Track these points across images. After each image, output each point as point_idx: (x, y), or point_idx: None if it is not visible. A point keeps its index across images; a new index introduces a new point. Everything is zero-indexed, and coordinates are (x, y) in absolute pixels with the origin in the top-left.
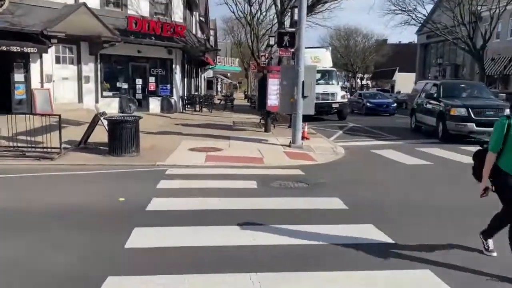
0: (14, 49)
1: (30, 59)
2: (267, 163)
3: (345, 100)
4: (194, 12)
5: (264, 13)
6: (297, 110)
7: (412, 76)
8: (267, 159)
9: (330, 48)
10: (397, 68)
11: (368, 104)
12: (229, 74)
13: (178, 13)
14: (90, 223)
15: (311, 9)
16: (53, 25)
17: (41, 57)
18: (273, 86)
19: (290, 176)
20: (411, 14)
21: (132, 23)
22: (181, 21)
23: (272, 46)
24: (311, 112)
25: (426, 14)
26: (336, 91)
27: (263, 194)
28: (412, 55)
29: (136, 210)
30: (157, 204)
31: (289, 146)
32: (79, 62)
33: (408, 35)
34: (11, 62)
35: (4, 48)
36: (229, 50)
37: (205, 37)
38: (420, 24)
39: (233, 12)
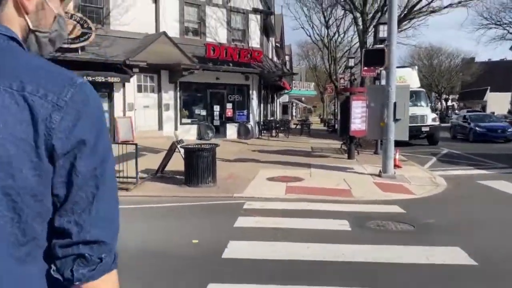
0: (99, 79)
1: (114, 89)
2: (357, 197)
3: (436, 123)
4: (270, 38)
5: (342, 35)
6: (388, 136)
7: (506, 96)
8: (356, 192)
9: (416, 67)
10: (488, 87)
11: (477, 128)
12: (303, 99)
13: (255, 39)
14: (159, 274)
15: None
16: (135, 54)
17: (123, 86)
18: (357, 109)
19: (388, 214)
20: (506, 28)
21: (210, 50)
22: (258, 46)
23: (351, 67)
24: (405, 137)
25: None
26: (426, 113)
27: (360, 239)
28: (505, 73)
29: (211, 257)
30: (234, 249)
31: (379, 176)
32: (159, 90)
33: (499, 53)
34: (97, 91)
35: (90, 79)
36: (303, 74)
37: (281, 62)
38: None
39: (310, 36)
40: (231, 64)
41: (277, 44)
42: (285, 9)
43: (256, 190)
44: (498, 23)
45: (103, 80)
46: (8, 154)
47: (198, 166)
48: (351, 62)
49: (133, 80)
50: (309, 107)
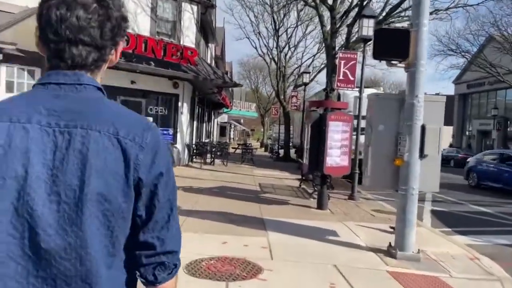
0: None
1: None
2: None
3: None
4: (209, 44)
5: (292, 49)
6: (409, 184)
7: (448, 129)
8: None
9: (381, 88)
10: None
11: None
12: (242, 120)
13: (189, 36)
14: None
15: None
16: None
17: None
18: (336, 134)
19: None
20: (466, 56)
21: None
22: (193, 46)
23: (306, 84)
24: (435, 188)
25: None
26: None
27: None
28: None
29: None
30: None
31: (389, 254)
32: None
33: (432, 88)
34: None
35: None
36: (243, 95)
37: (222, 72)
38: (461, 71)
39: (256, 48)
40: (153, 63)
41: (217, 55)
42: (228, 16)
43: None
44: (458, 50)
45: None
46: (108, 184)
47: None
48: (306, 78)
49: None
50: (248, 130)
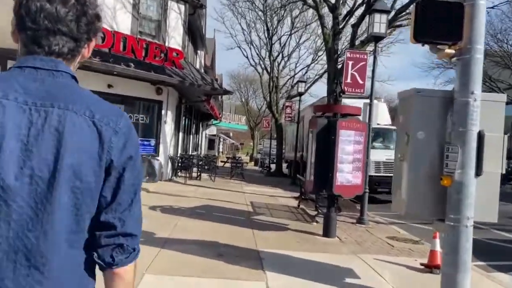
0: None
1: None
2: None
3: None
4: (198, 51)
5: (285, 58)
6: (463, 212)
7: None
8: None
9: (382, 99)
10: None
11: None
12: (231, 134)
13: (175, 38)
14: None
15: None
16: None
17: None
18: (347, 145)
19: None
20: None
21: None
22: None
23: (302, 94)
24: (493, 216)
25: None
26: None
27: None
28: None
29: None
30: None
31: None
32: None
33: None
34: None
35: None
36: (233, 108)
37: (212, 78)
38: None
39: (247, 57)
40: (133, 65)
41: (207, 65)
42: (218, 24)
43: None
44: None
45: None
46: (81, 163)
47: None
48: (301, 87)
49: None
50: (237, 144)
